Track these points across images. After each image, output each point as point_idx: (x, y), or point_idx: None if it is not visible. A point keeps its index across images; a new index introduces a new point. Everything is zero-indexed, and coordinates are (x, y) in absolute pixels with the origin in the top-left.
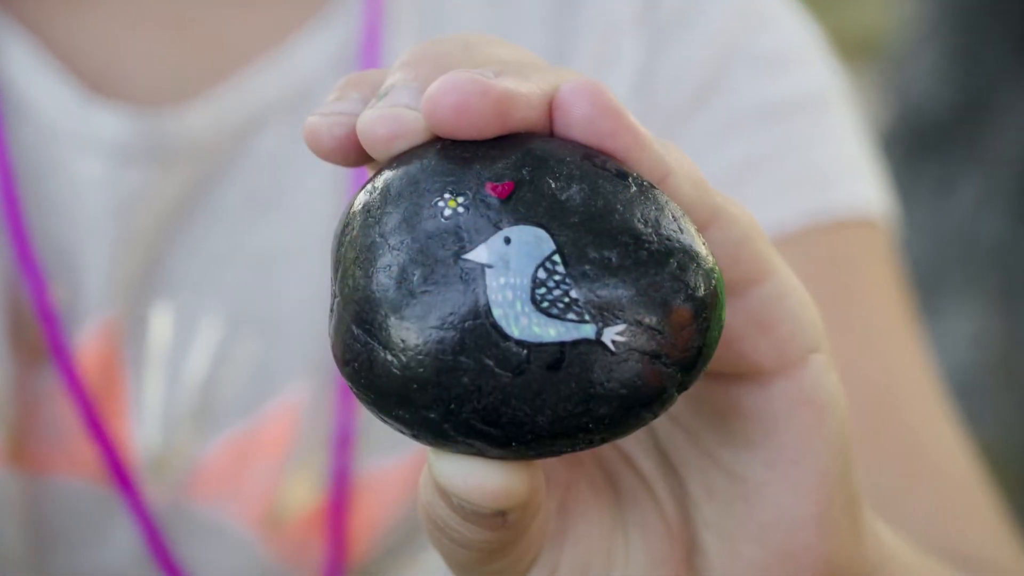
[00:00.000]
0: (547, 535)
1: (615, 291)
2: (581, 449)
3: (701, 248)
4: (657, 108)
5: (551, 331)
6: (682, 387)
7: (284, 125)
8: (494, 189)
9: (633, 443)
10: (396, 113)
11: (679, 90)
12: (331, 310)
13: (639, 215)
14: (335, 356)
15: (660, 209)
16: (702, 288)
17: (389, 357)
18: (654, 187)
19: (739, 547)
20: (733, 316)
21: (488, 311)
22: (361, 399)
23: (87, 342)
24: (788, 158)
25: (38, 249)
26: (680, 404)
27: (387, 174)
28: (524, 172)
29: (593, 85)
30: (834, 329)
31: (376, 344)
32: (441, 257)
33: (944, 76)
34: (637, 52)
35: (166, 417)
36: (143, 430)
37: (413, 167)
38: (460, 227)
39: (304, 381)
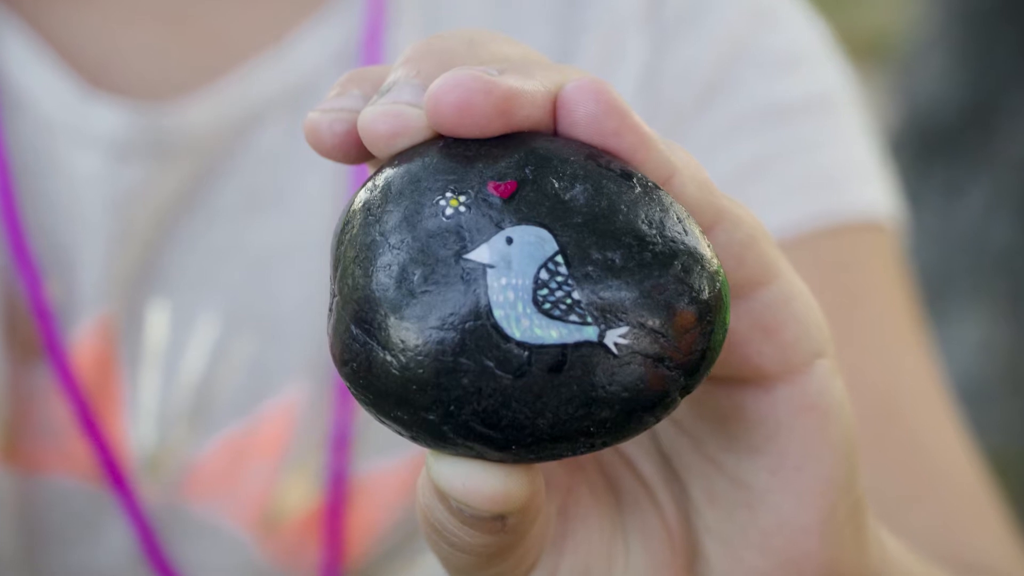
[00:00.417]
0: (547, 539)
1: (618, 293)
2: (582, 453)
3: (706, 250)
4: (663, 108)
5: (553, 333)
6: (685, 391)
7: (284, 121)
8: (496, 188)
9: (635, 447)
10: (398, 110)
11: (685, 90)
12: (330, 309)
13: (643, 216)
14: (333, 356)
15: (664, 210)
16: (706, 291)
17: (388, 357)
18: (659, 188)
19: (741, 554)
20: (737, 319)
21: (489, 312)
22: (359, 400)
23: (82, 339)
24: (795, 160)
25: (34, 244)
26: (683, 408)
27: (388, 172)
28: (527, 171)
29: (598, 84)
30: (840, 334)
31: (375, 344)
32: (442, 257)
33: (953, 79)
34: (643, 51)
35: (161, 416)
36: (138, 429)
37: (415, 165)
38: (462, 226)
39: (302, 381)
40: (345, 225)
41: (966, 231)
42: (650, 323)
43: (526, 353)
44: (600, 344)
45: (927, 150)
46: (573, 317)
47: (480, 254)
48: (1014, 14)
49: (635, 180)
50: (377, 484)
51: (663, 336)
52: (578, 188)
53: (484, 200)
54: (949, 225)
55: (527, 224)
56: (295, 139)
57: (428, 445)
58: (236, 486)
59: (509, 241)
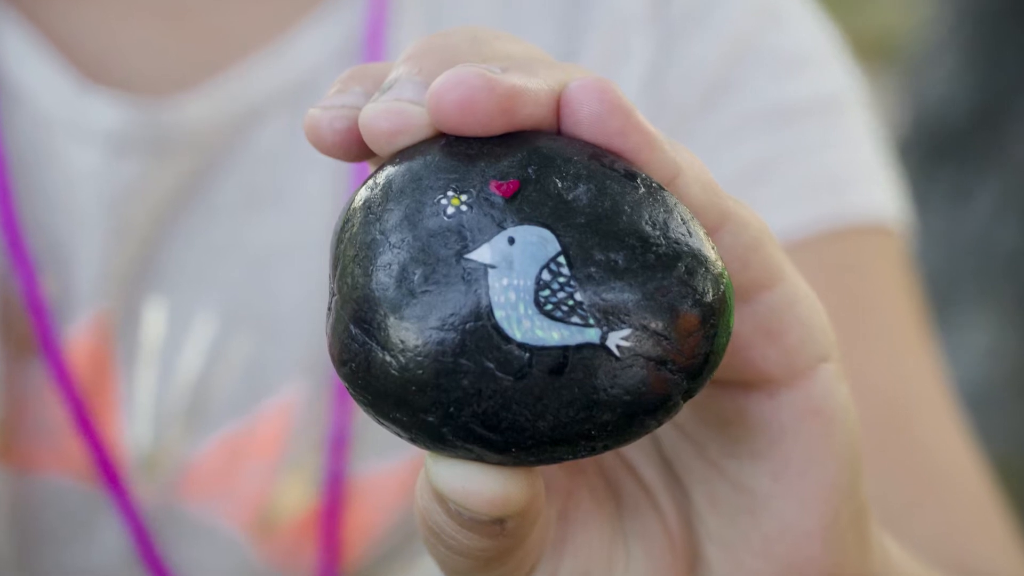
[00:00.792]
0: (546, 543)
1: (621, 295)
2: (583, 456)
3: (710, 252)
4: (667, 107)
5: (554, 334)
6: (688, 395)
7: (284, 118)
8: (499, 188)
9: (636, 451)
10: (400, 108)
11: (690, 89)
12: (329, 308)
13: (647, 217)
14: (332, 356)
15: (669, 211)
16: (710, 293)
17: (387, 358)
18: (663, 188)
19: (743, 559)
20: (741, 323)
21: (490, 313)
22: (358, 400)
23: (78, 336)
24: (801, 161)
25: (30, 240)
26: (685, 412)
27: (389, 170)
28: (530, 171)
29: (602, 83)
30: (845, 338)
31: (374, 344)
32: (443, 256)
33: (962, 81)
34: (648, 49)
35: (157, 415)
36: (134, 428)
37: (416, 163)
38: (463, 226)
39: (300, 381)
40: (345, 223)
41: (973, 235)
42: (653, 325)
43: (527, 355)
44: (602, 346)
45: (935, 152)
46: (575, 319)
47: (481, 254)
48: None
49: (639, 180)
50: (375, 486)
51: (666, 339)
52: (581, 188)
53: (486, 199)
54: (956, 229)
55: (529, 224)
56: (295, 136)
57: (427, 447)
58: (232, 486)
59: (511, 241)
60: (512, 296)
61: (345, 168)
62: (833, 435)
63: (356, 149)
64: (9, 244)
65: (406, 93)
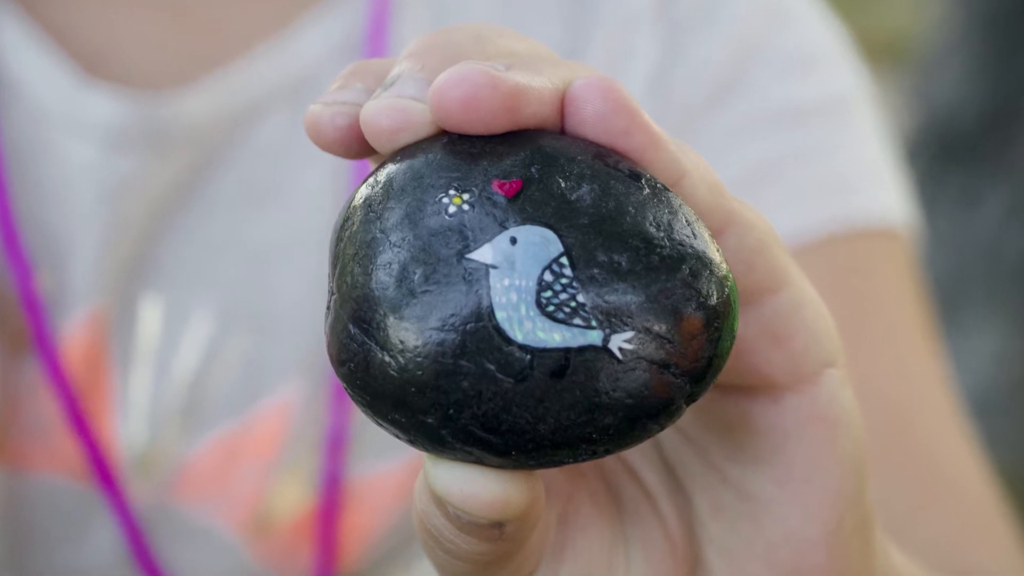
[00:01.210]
0: (546, 548)
1: (624, 297)
2: (583, 460)
3: (715, 254)
4: (673, 107)
5: (556, 336)
6: (691, 399)
7: (285, 114)
8: (501, 187)
9: (638, 455)
10: (402, 105)
11: (697, 89)
12: (328, 307)
13: (651, 218)
14: (330, 355)
15: (673, 212)
16: (715, 296)
17: (387, 358)
18: (668, 189)
19: (745, 567)
20: (746, 326)
21: (491, 313)
22: (356, 401)
23: (73, 333)
24: (808, 163)
25: (25, 235)
26: (688, 416)
27: (390, 168)
28: (533, 170)
29: (607, 81)
30: (850, 342)
31: (373, 344)
32: (444, 256)
33: (973, 83)
34: (654, 48)
35: (153, 414)
36: (128, 426)
37: (418, 161)
38: (464, 225)
39: (297, 380)
40: (345, 221)
41: (982, 240)
42: (656, 328)
43: (528, 356)
44: (604, 349)
45: (944, 156)
46: (577, 320)
47: (483, 254)
48: None
49: (643, 181)
50: (373, 487)
51: (669, 342)
52: (585, 188)
53: (488, 199)
54: (965, 233)
55: (532, 224)
56: (295, 132)
57: (426, 449)
58: (228, 487)
59: (513, 241)
60: (514, 297)
61: (345, 165)
62: (838, 441)
63: (357, 146)
64: (4, 239)
65: (408, 90)
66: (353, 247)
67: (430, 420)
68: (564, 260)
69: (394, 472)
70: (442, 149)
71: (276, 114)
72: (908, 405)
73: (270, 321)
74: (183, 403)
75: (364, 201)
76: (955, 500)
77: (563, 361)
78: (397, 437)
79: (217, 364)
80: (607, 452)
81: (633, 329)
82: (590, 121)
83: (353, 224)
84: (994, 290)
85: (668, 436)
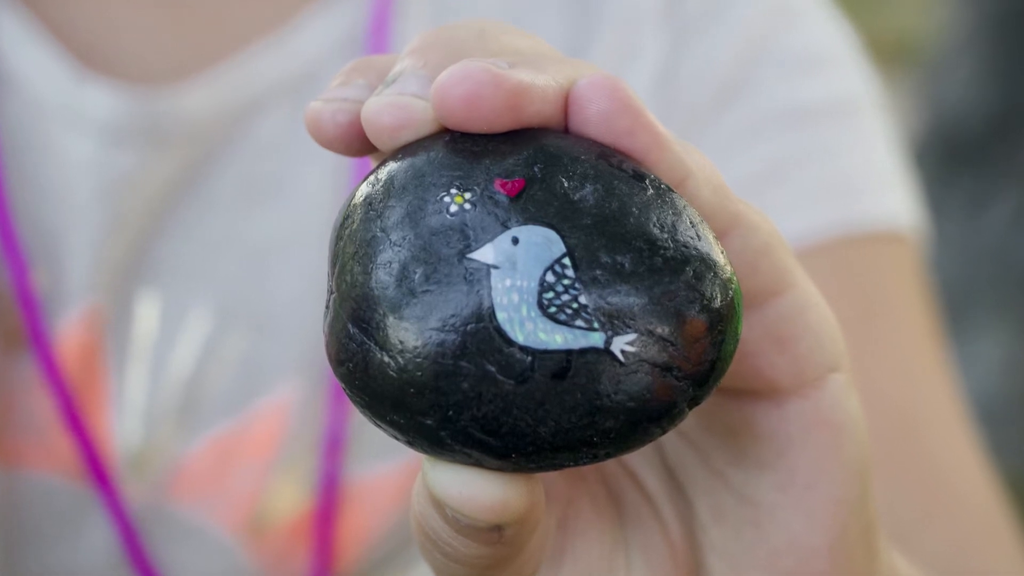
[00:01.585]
0: (545, 552)
1: (627, 298)
2: (584, 463)
3: (719, 257)
4: (679, 107)
5: (557, 338)
6: (693, 402)
7: (285, 110)
8: (503, 186)
9: (639, 459)
10: (403, 102)
11: (703, 89)
12: (327, 307)
13: (655, 219)
14: (329, 355)
15: (677, 214)
16: (718, 299)
17: (386, 359)
18: (672, 190)
19: (747, 573)
20: (750, 330)
21: (492, 314)
22: (354, 401)
23: (68, 330)
24: (815, 165)
25: (21, 230)
26: (690, 420)
27: (391, 166)
28: (536, 169)
29: (612, 80)
30: (856, 347)
31: (373, 344)
32: (445, 255)
33: (982, 86)
34: (660, 48)
35: (148, 412)
36: (124, 425)
37: (419, 159)
38: (466, 225)
39: (295, 380)
40: (345, 220)
41: (990, 244)
42: (659, 331)
43: (529, 358)
44: (606, 351)
45: (952, 159)
46: (579, 322)
47: (484, 254)
48: None
49: (647, 182)
50: (371, 489)
51: (672, 345)
52: (588, 188)
53: (490, 198)
54: (972, 238)
55: (534, 224)
56: (296, 129)
57: (425, 451)
58: (224, 487)
59: (515, 241)
60: (515, 297)
61: (346, 163)
62: (842, 447)
63: (358, 143)
64: (0, 235)
65: (410, 87)
66: (353, 246)
67: (429, 421)
68: (566, 261)
69: (392, 474)
70: (444, 147)
71: (276, 110)
72: (914, 411)
73: (268, 320)
74: (179, 402)
75: (364, 199)
76: (960, 507)
77: (564, 363)
78: (395, 438)
79: (214, 363)
80: (608, 455)
81: (636, 331)
82: (594, 120)
83: (353, 222)
84: (1002, 295)
85: (670, 440)
